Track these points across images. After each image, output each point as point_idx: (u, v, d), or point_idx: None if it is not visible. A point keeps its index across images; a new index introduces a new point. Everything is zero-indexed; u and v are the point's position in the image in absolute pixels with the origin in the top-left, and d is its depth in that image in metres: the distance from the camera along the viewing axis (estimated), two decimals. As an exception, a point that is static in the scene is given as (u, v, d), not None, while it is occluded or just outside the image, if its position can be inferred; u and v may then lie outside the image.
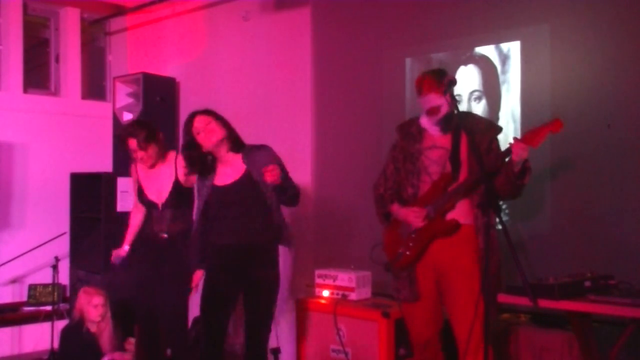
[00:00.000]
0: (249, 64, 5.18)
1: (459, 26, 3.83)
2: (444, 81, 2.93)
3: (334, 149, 4.52)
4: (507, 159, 2.81)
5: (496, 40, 3.67)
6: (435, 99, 2.96)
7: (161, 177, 3.83)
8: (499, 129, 3.05)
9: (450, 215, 2.96)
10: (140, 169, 3.89)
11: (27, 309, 5.18)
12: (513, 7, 3.59)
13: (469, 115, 3.23)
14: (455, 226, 2.93)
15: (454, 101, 2.90)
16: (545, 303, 2.59)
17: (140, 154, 3.75)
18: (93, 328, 4.14)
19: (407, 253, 3.00)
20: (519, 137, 2.88)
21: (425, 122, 3.08)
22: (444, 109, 2.95)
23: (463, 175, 2.94)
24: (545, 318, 3.37)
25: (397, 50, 4.15)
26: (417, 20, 4.05)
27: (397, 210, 3.08)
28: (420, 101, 3.04)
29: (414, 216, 2.98)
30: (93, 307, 4.12)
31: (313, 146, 4.63)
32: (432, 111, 2.99)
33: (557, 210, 3.38)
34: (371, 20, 4.29)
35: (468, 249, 2.90)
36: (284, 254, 4.82)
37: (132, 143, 3.75)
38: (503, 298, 2.84)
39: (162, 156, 3.85)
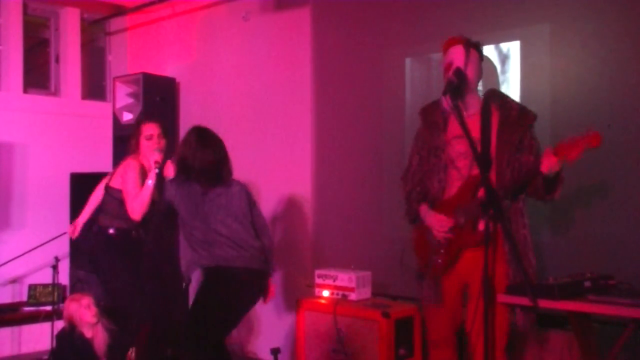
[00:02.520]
0: (249, 64, 5.18)
1: (459, 26, 3.81)
2: (470, 40, 2.80)
3: (334, 148, 4.51)
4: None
5: (496, 40, 3.66)
6: (454, 52, 2.79)
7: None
8: (533, 117, 2.79)
9: (481, 224, 2.72)
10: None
11: (27, 309, 5.19)
12: (513, 7, 3.59)
13: (500, 97, 2.89)
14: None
15: (474, 60, 2.73)
16: (545, 303, 2.58)
17: (161, 142, 3.83)
18: (88, 333, 4.07)
19: (439, 261, 2.86)
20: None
21: (445, 101, 2.75)
22: (457, 63, 2.74)
23: (494, 174, 2.72)
24: (545, 318, 3.36)
25: (397, 50, 4.14)
26: (417, 20, 4.05)
27: (425, 213, 2.91)
28: (443, 63, 2.85)
29: (438, 226, 2.83)
30: (85, 308, 4.06)
31: (313, 146, 4.63)
32: (447, 67, 2.78)
33: (557, 210, 3.38)
34: (371, 20, 4.29)
35: (497, 258, 2.73)
36: (284, 254, 4.84)
37: (156, 128, 3.84)
38: (503, 298, 2.84)
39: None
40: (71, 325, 4.05)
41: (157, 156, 3.72)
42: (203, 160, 3.47)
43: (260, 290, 3.55)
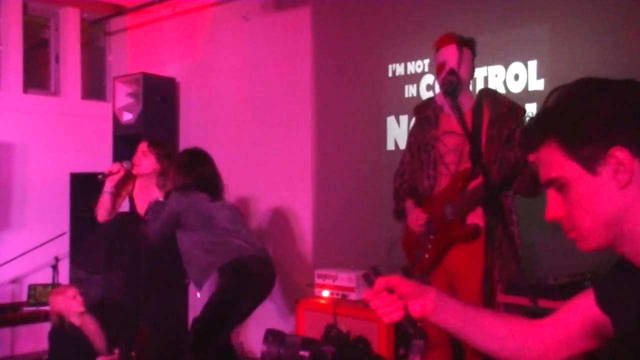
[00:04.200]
0: (249, 64, 5.18)
1: (459, 27, 3.82)
2: (463, 38, 2.79)
3: (334, 148, 4.51)
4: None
5: (497, 41, 3.66)
6: (448, 52, 2.76)
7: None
8: (523, 112, 2.80)
9: (470, 218, 2.75)
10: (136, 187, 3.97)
11: (27, 309, 5.17)
12: (513, 7, 3.59)
13: (492, 94, 2.91)
14: (476, 232, 2.72)
15: (466, 59, 2.71)
16: (545, 303, 2.58)
17: (144, 158, 3.83)
18: (77, 322, 4.08)
19: (426, 256, 2.84)
20: None
21: (439, 97, 2.83)
22: (451, 64, 2.72)
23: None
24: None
25: (397, 50, 4.14)
26: (417, 21, 4.05)
27: (409, 209, 2.92)
28: (435, 61, 2.85)
29: (413, 221, 2.84)
30: (71, 299, 4.05)
31: (313, 145, 4.63)
32: (440, 67, 2.77)
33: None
34: (371, 20, 4.29)
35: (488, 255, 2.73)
36: (284, 254, 4.84)
37: (143, 145, 3.86)
38: (503, 298, 2.84)
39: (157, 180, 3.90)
40: (60, 318, 4.05)
41: (113, 166, 3.82)
42: (202, 173, 3.63)
43: (271, 279, 3.63)
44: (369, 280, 1.29)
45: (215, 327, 3.47)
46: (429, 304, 1.29)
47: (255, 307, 3.66)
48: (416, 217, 2.84)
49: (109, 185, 3.79)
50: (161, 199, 3.68)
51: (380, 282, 1.28)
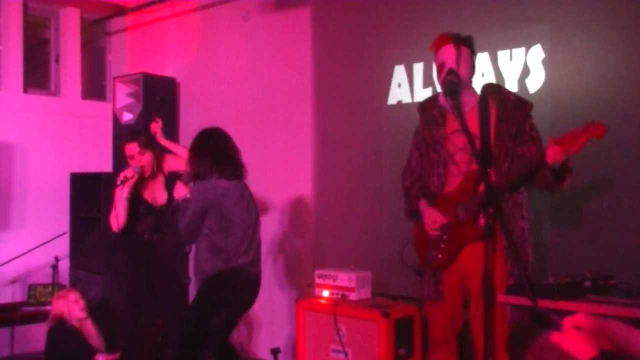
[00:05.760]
0: (249, 64, 5.18)
1: (459, 27, 3.81)
2: (460, 36, 2.78)
3: (334, 148, 4.51)
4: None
5: (497, 41, 3.66)
6: (445, 52, 2.76)
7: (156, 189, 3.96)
8: (530, 106, 2.79)
9: (482, 218, 2.69)
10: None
11: (27, 309, 5.18)
12: (513, 7, 3.59)
13: (497, 89, 2.89)
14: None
15: (465, 58, 2.71)
16: (545, 303, 2.58)
17: (142, 158, 3.86)
18: (77, 325, 4.10)
19: (439, 256, 2.85)
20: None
21: (442, 98, 2.83)
22: (450, 64, 2.72)
23: (492, 168, 2.71)
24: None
25: (397, 50, 4.14)
26: (416, 21, 4.04)
27: (423, 209, 2.91)
28: (435, 63, 2.84)
29: (430, 222, 2.83)
30: (73, 303, 4.07)
31: (313, 145, 4.62)
32: (440, 68, 2.77)
33: (557, 210, 3.38)
34: (371, 20, 4.29)
35: (498, 254, 2.72)
36: (284, 254, 4.84)
37: (135, 147, 3.86)
38: (503, 298, 2.83)
39: (156, 168, 3.97)
40: (58, 320, 4.06)
41: (127, 171, 3.82)
42: (216, 152, 3.56)
43: (249, 299, 3.63)
44: (554, 324, 1.33)
45: (193, 333, 3.46)
46: (615, 336, 1.31)
47: (233, 320, 3.69)
48: (433, 220, 2.82)
49: (125, 191, 3.80)
50: (189, 196, 3.61)
51: (567, 321, 1.31)
